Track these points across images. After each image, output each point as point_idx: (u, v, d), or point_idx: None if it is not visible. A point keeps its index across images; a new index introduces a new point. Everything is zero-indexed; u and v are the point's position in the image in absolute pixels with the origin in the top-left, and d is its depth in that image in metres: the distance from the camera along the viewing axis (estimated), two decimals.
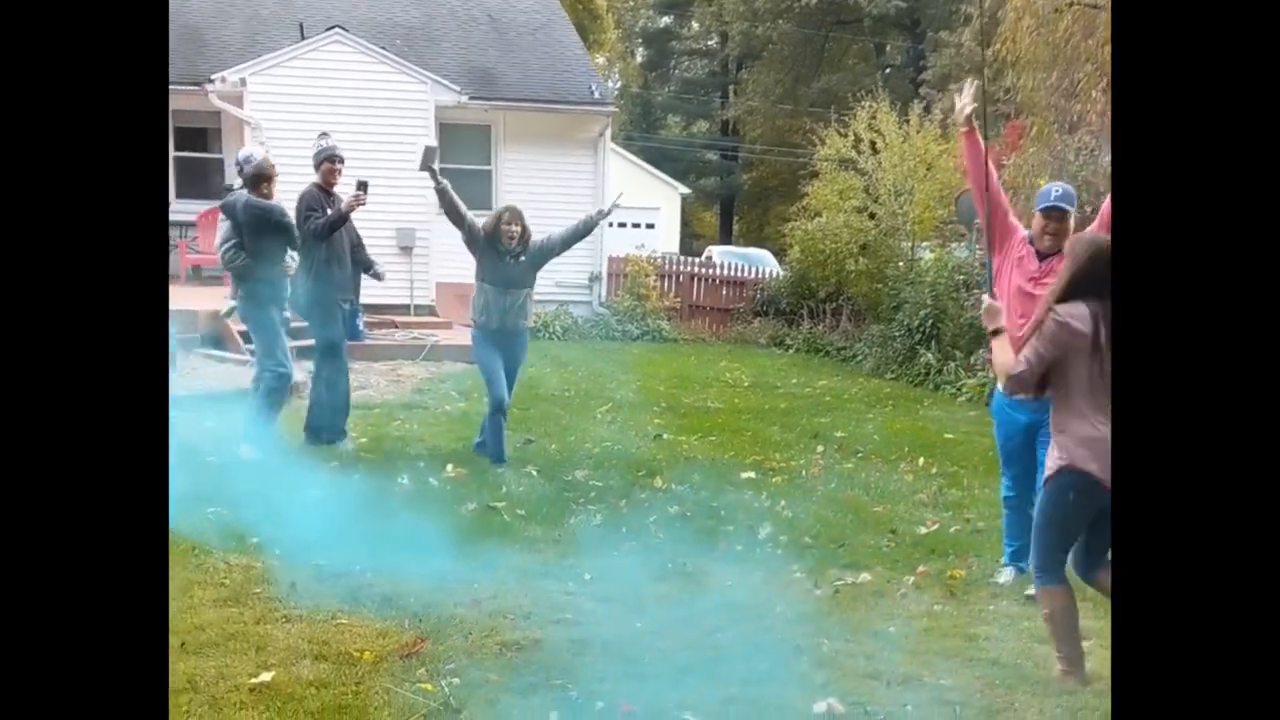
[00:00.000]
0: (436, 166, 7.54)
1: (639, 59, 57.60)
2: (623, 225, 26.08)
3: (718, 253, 27.35)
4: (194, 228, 16.65)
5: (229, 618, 4.52)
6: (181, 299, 13.35)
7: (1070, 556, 4.35)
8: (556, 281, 18.65)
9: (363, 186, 7.92)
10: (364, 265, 8.41)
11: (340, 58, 16.11)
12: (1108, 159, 13.74)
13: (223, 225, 7.68)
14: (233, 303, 7.94)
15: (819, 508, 7.11)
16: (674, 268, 21.49)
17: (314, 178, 8.08)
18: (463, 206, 7.62)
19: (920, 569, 5.75)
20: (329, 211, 7.90)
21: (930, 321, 14.83)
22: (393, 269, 16.31)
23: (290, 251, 7.73)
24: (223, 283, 15.74)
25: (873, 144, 18.32)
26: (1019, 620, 5.05)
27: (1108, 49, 13.46)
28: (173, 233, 16.57)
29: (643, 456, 8.55)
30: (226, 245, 7.61)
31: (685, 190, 39.44)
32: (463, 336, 14.41)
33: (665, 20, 56.29)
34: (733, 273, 21.49)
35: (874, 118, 18.42)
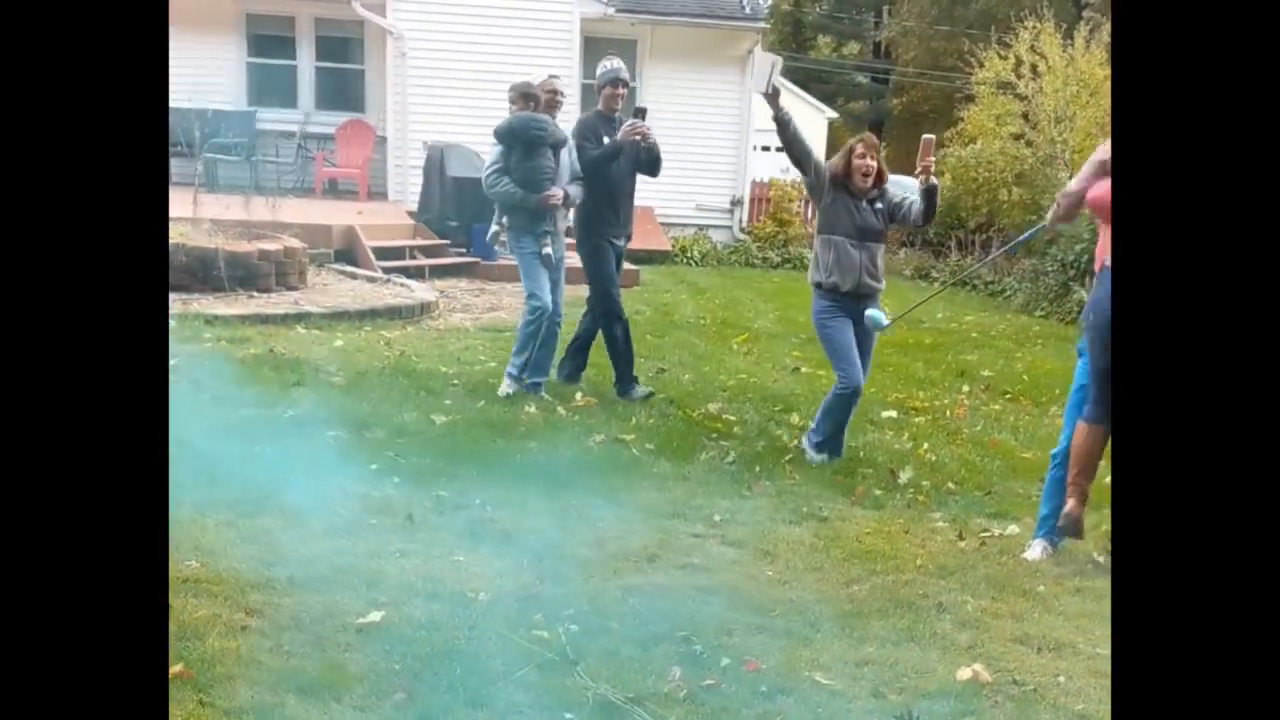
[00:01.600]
0: (776, 84, 6.05)
1: None
2: (765, 149, 25.45)
3: None
4: (333, 140, 16.67)
5: (340, 550, 4.36)
6: (316, 213, 13.41)
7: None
8: (696, 204, 18.26)
9: (641, 113, 7.22)
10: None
11: None
12: None
13: (493, 150, 7.21)
14: (496, 227, 7.44)
15: (964, 451, 6.72)
16: None
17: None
18: (808, 142, 6.39)
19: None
20: (606, 142, 7.17)
21: (1085, 257, 14.04)
22: None
23: (557, 185, 7.08)
24: (358, 197, 15.87)
25: (1034, 67, 17.39)
26: None
27: None
28: (310, 145, 16.66)
29: (780, 390, 8.23)
30: (490, 170, 7.13)
31: (832, 114, 38.44)
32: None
33: None
34: None
35: (1037, 39, 17.47)
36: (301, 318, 9.11)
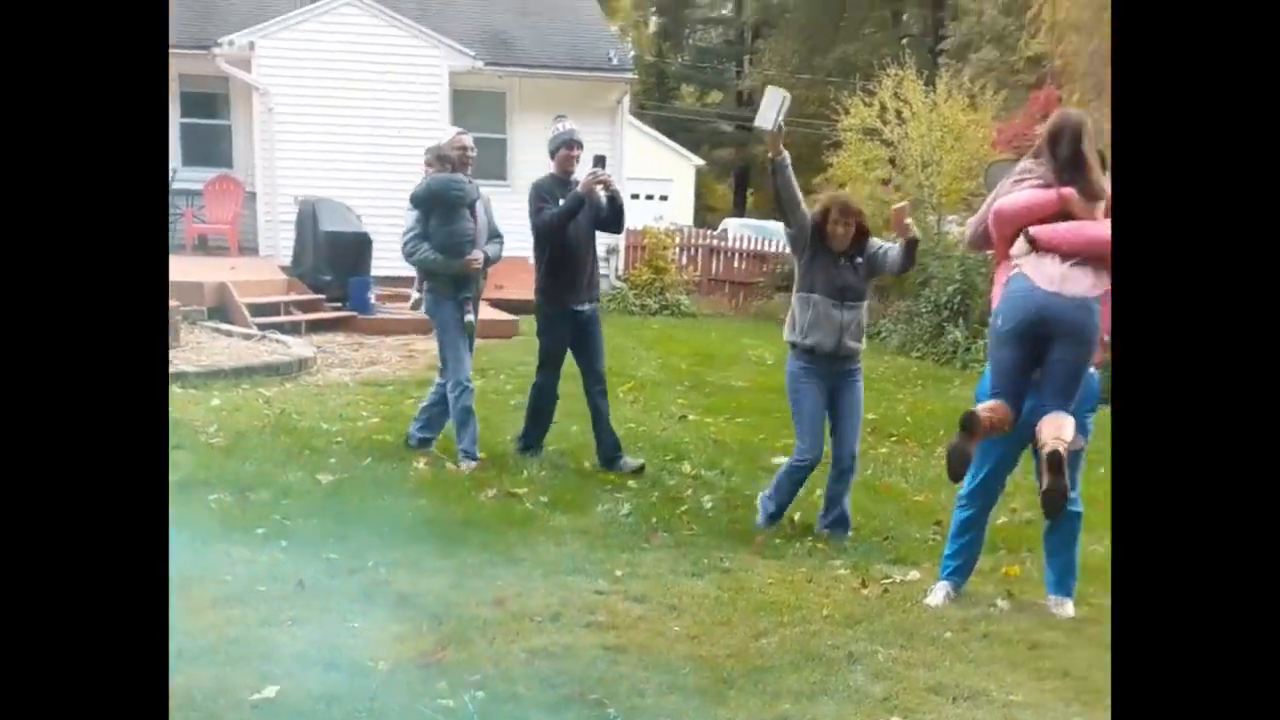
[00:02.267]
0: (780, 122, 5.53)
1: (653, 27, 56.93)
2: (636, 197, 25.61)
3: (733, 225, 26.70)
4: (201, 196, 16.26)
5: (229, 619, 4.14)
6: (186, 270, 13.01)
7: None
8: None
9: (600, 161, 6.66)
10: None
11: (351, 21, 15.67)
12: None
13: (408, 215, 6.89)
14: (418, 294, 7.11)
15: (858, 496, 6.69)
16: (692, 240, 21.06)
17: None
18: (799, 192, 5.79)
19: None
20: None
21: (958, 298, 14.41)
22: None
23: (477, 247, 6.81)
24: (229, 253, 15.49)
25: (898, 113, 17.80)
26: (1085, 625, 4.65)
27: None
28: (179, 201, 16.21)
29: (669, 439, 8.17)
30: (409, 236, 6.79)
31: (699, 162, 38.92)
32: (484, 310, 14.03)
33: None
34: (751, 245, 21.02)
35: (900, 85, 17.89)
36: (177, 377, 8.78)
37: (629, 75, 18.76)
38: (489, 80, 17.20)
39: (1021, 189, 4.50)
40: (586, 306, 6.93)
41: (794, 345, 5.86)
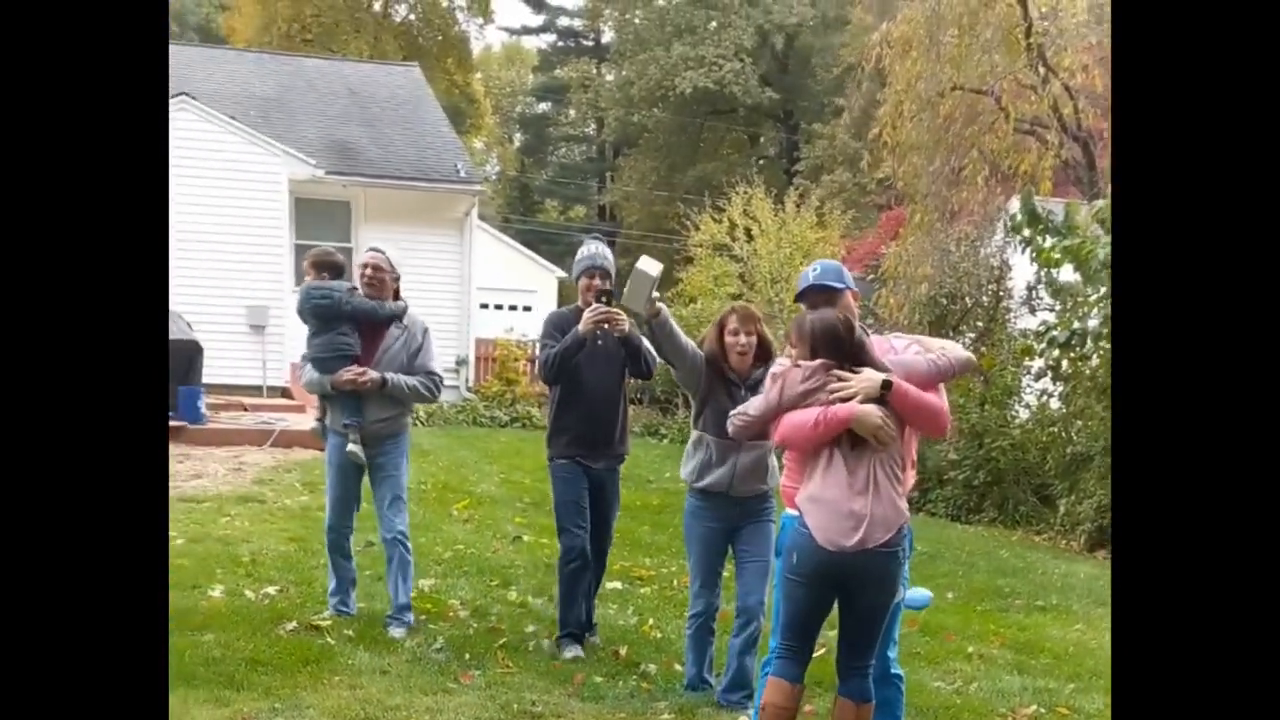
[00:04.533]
0: (654, 297, 4.90)
1: (517, 144, 57.39)
2: (498, 307, 25.26)
3: None
4: None
5: None
6: None
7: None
8: None
9: (605, 297, 5.46)
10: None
11: (186, 126, 15.12)
12: (988, 249, 13.46)
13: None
14: (315, 424, 6.37)
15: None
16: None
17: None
18: (682, 336, 5.07)
19: (809, 708, 5.00)
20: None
21: None
22: (245, 348, 15.43)
23: (375, 365, 5.84)
24: None
25: (748, 230, 17.91)
26: None
27: (989, 137, 13.24)
28: None
29: (499, 562, 7.71)
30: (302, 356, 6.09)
31: (562, 274, 38.87)
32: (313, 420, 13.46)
33: (543, 106, 56.26)
34: None
35: (749, 203, 18.03)
36: None
37: (477, 187, 18.57)
38: (333, 189, 16.84)
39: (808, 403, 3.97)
40: (600, 464, 5.81)
41: (690, 486, 5.16)
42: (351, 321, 5.86)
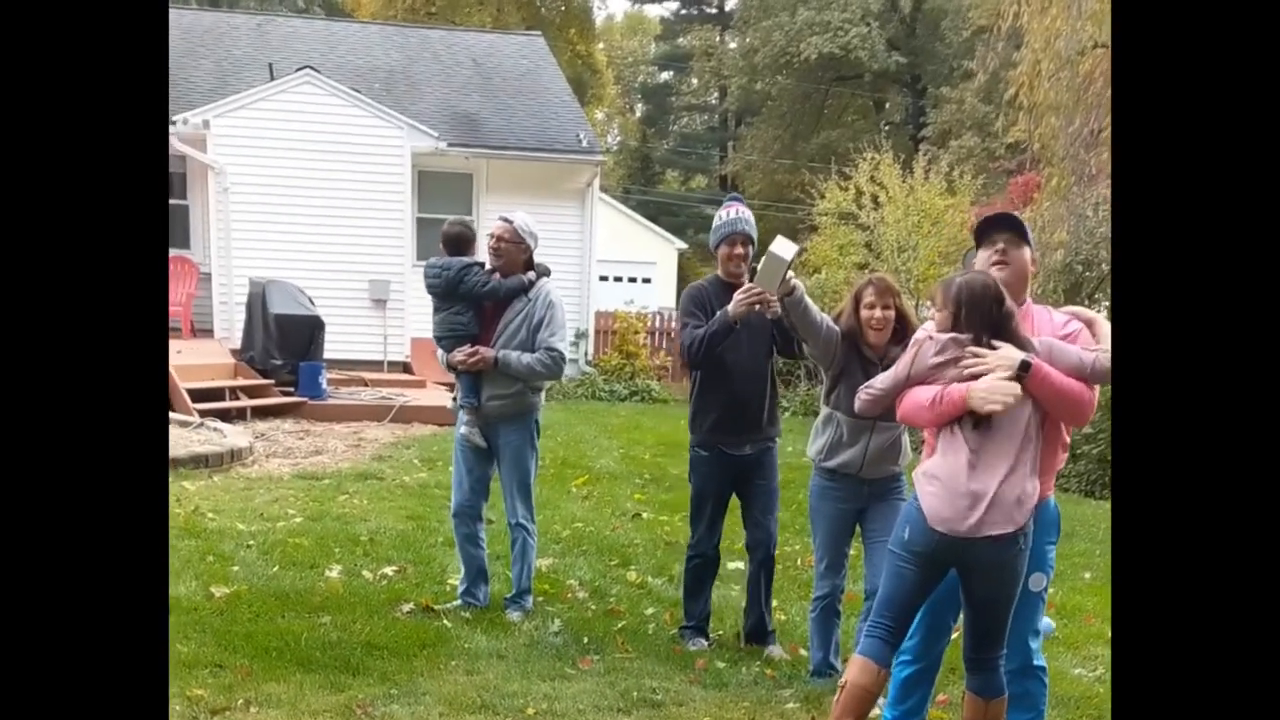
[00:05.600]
0: (789, 276, 4.51)
1: (638, 114, 57.24)
2: (618, 279, 25.18)
3: None
4: None
5: None
6: None
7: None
8: None
9: (753, 273, 4.95)
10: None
11: (310, 99, 15.25)
12: None
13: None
14: (451, 402, 6.03)
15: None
16: (665, 324, 20.56)
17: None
18: (818, 313, 4.69)
19: (940, 697, 4.73)
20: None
21: None
22: (366, 323, 15.51)
23: (493, 344, 5.62)
24: (182, 335, 14.89)
25: (874, 198, 17.42)
26: None
27: None
28: None
29: (618, 540, 7.54)
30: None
31: (682, 245, 38.70)
32: (436, 396, 13.45)
33: (665, 76, 55.99)
34: None
35: (876, 170, 17.53)
36: None
37: (599, 158, 18.40)
38: (455, 161, 16.79)
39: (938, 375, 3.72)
40: (747, 449, 5.39)
41: (817, 465, 4.88)
42: (464, 300, 5.67)
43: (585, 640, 5.26)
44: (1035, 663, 3.99)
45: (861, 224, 17.76)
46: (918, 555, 3.63)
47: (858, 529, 4.95)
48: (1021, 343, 3.61)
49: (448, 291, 5.66)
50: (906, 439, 4.83)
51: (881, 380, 3.94)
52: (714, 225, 5.40)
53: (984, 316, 3.61)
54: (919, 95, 43.14)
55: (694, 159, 54.32)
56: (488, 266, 5.70)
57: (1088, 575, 7.34)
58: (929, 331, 3.81)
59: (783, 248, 4.45)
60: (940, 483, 3.58)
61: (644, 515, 8.46)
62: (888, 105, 46.18)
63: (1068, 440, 3.91)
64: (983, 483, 3.51)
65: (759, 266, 4.58)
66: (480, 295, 5.64)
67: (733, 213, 5.30)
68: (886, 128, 41.88)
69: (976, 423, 3.55)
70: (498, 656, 4.95)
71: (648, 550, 7.28)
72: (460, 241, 5.83)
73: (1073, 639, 5.76)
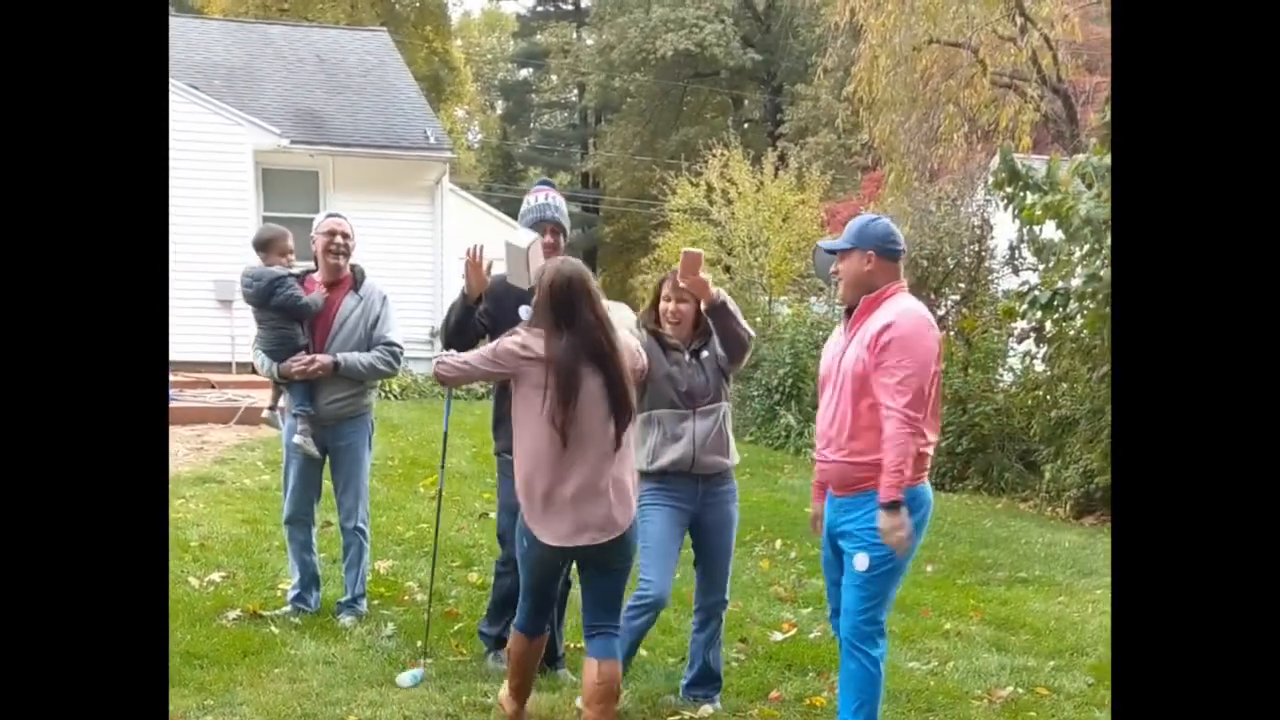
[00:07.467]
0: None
1: (499, 111, 56.88)
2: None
3: None
4: None
5: None
6: None
7: None
8: None
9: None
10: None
11: None
12: (969, 209, 13.15)
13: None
14: (266, 411, 6.03)
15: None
16: None
17: None
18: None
19: (774, 694, 4.75)
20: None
21: (790, 381, 14.02)
22: (212, 323, 15.08)
23: (325, 349, 5.50)
24: None
25: (725, 194, 17.56)
26: None
27: (966, 91, 12.89)
28: None
29: (462, 541, 7.45)
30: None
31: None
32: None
33: (524, 73, 55.74)
34: None
35: (726, 166, 17.68)
36: None
37: (448, 154, 18.16)
38: (300, 159, 16.43)
39: None
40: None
41: (644, 474, 4.43)
42: (280, 312, 5.49)
43: (419, 644, 5.16)
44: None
45: (713, 220, 17.90)
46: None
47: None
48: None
49: (260, 303, 5.49)
50: (730, 429, 4.69)
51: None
52: (521, 210, 5.04)
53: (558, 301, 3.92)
54: (775, 92, 43.67)
55: (555, 156, 54.19)
56: (324, 266, 5.56)
57: (930, 569, 7.48)
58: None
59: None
60: None
61: (491, 515, 8.35)
62: (746, 102, 46.66)
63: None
64: None
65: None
66: (296, 310, 5.49)
67: (541, 198, 4.95)
68: (746, 125, 42.37)
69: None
70: (325, 663, 4.82)
71: (492, 551, 7.16)
72: (267, 245, 5.65)
73: (910, 633, 5.84)
